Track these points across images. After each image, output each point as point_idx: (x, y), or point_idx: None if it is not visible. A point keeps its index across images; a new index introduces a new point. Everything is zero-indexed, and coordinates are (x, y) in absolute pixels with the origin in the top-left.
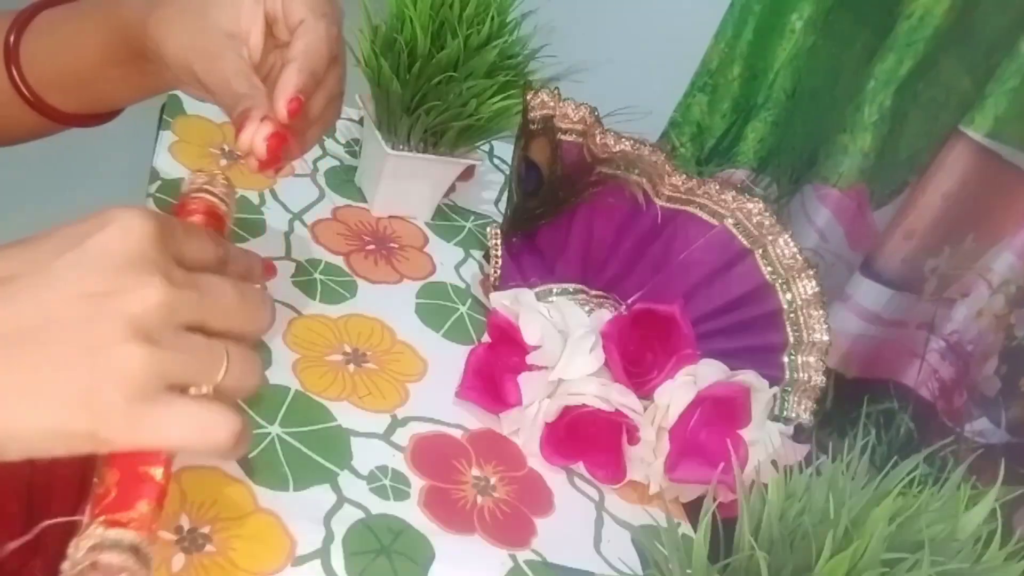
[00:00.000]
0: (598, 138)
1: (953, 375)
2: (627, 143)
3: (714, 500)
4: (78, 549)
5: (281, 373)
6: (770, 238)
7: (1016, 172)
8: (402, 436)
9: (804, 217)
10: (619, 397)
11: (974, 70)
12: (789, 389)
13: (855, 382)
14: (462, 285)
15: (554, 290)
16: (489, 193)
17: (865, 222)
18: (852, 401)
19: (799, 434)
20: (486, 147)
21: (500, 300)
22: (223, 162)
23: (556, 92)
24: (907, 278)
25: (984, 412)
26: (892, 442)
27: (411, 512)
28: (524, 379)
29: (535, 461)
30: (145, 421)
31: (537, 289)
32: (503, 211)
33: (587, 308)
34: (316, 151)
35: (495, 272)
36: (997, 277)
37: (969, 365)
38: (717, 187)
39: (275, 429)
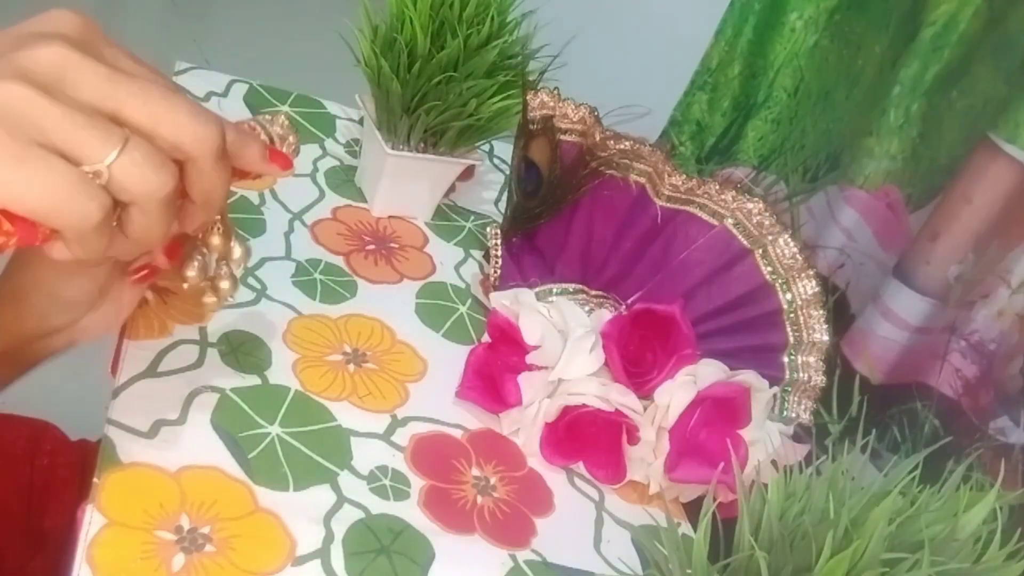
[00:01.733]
0: (598, 138)
1: (977, 373)
2: (627, 143)
3: (714, 500)
4: None
5: (281, 373)
6: (770, 238)
7: None
8: (402, 436)
9: (830, 217)
10: (619, 397)
11: (1011, 79)
12: (789, 389)
13: (881, 388)
14: (462, 285)
15: (554, 290)
16: (489, 193)
17: (899, 222)
18: (877, 407)
19: (799, 434)
20: (486, 147)
21: (500, 300)
22: None
23: (556, 92)
24: (933, 285)
25: (1006, 410)
26: (917, 440)
27: (411, 512)
28: (524, 379)
29: (535, 461)
30: (10, 164)
31: (537, 289)
32: (503, 211)
33: (587, 308)
34: (316, 151)
35: (495, 272)
36: (1016, 278)
37: (993, 363)
38: (717, 187)
39: (275, 429)
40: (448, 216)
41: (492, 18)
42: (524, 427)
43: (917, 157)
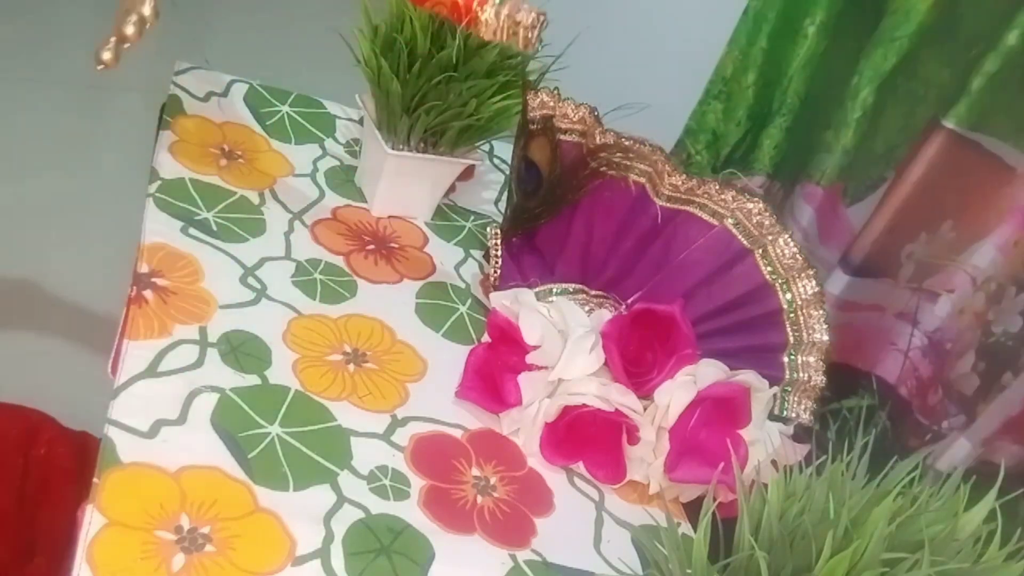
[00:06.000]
0: (598, 138)
1: (930, 373)
2: (627, 142)
3: (714, 500)
4: None
5: (281, 373)
6: (770, 238)
7: (998, 164)
8: (402, 436)
9: (790, 216)
10: (619, 397)
11: (953, 63)
12: (789, 389)
13: (836, 367)
14: (462, 285)
15: (554, 290)
16: (489, 193)
17: (836, 217)
18: (833, 386)
19: (799, 434)
20: (486, 147)
21: (500, 300)
22: (223, 162)
23: (556, 92)
24: (882, 265)
25: (962, 410)
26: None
27: (411, 512)
28: (524, 379)
29: (535, 461)
30: None
31: (537, 289)
32: (503, 211)
33: (587, 308)
34: (316, 151)
35: (495, 272)
36: (981, 274)
37: (945, 362)
38: (717, 187)
39: (275, 429)
40: (448, 216)
41: None
42: (524, 427)
43: (863, 149)
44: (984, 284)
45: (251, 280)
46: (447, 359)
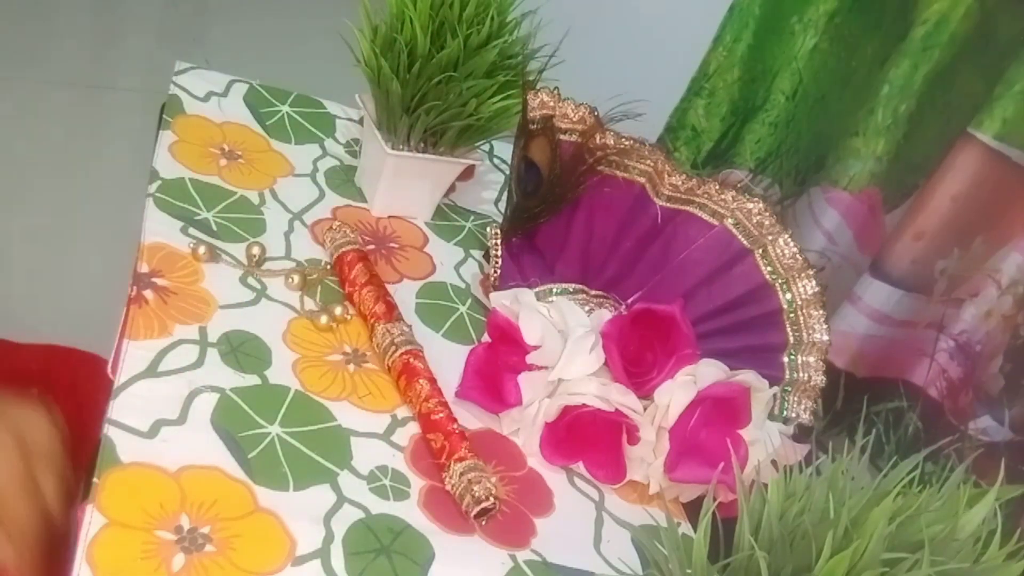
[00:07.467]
0: (598, 138)
1: (961, 375)
2: (627, 142)
3: (714, 500)
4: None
5: (281, 373)
6: (770, 238)
7: (1022, 173)
8: (402, 436)
9: (811, 219)
10: (619, 397)
11: (987, 74)
12: (789, 389)
13: (865, 381)
14: (462, 285)
15: (554, 290)
16: (489, 193)
17: (876, 225)
18: (862, 401)
19: (799, 434)
20: (486, 147)
21: (500, 300)
22: (223, 162)
23: (556, 92)
24: (917, 280)
25: (988, 410)
26: (900, 441)
27: (411, 512)
28: (524, 379)
29: (535, 461)
30: None
31: (537, 289)
32: (503, 211)
33: (587, 308)
34: (316, 151)
35: (495, 272)
36: (1006, 278)
37: (976, 365)
38: (717, 187)
39: (275, 429)
40: (448, 216)
41: (492, 18)
42: (524, 427)
43: (899, 158)
44: (1011, 288)
45: (251, 280)
46: (447, 359)
